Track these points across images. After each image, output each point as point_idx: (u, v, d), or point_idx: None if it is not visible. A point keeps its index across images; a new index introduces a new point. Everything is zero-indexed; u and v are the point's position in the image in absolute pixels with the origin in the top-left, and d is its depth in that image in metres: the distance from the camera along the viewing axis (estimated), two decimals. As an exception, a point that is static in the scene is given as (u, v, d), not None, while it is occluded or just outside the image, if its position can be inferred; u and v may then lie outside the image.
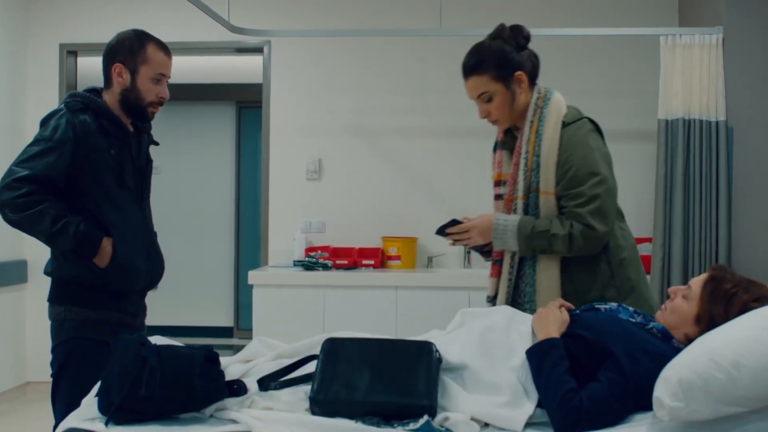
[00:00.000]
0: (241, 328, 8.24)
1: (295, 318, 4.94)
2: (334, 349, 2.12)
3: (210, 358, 2.07)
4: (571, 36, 5.17)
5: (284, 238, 5.65)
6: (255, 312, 5.00)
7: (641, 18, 5.41)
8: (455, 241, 2.79)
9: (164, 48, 2.86)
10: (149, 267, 2.91)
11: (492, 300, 2.82)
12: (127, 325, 2.82)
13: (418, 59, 5.59)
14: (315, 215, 5.67)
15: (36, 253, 5.79)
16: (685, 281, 4.49)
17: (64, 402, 2.65)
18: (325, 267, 5.20)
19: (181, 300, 7.70)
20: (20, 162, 2.63)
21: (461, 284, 4.94)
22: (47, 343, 5.73)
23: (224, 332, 8.19)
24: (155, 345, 2.10)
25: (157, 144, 3.02)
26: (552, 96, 2.70)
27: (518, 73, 2.67)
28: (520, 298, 2.71)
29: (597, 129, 2.71)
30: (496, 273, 2.78)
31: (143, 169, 2.94)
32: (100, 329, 2.71)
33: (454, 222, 2.76)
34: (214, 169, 8.12)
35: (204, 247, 8.10)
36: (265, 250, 5.73)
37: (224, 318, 8.22)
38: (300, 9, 5.68)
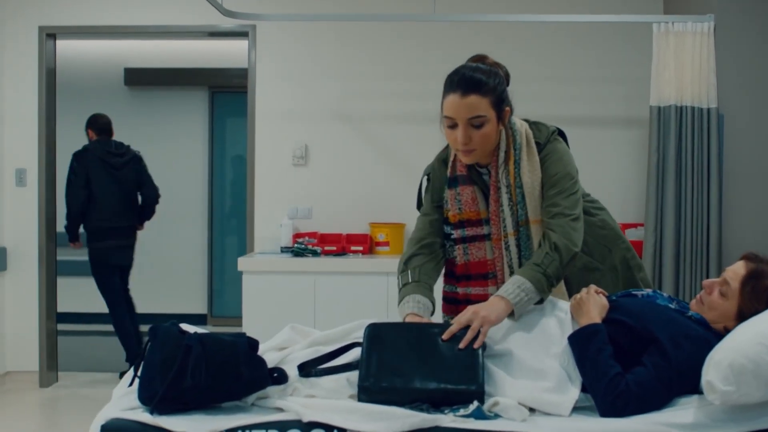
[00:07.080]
0: (215, 315, 8.18)
1: (285, 304, 4.91)
2: (378, 335, 2.11)
3: (252, 345, 2.05)
4: (562, 22, 5.21)
5: (270, 225, 5.59)
6: (244, 299, 4.95)
7: (625, 5, 5.43)
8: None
9: None
10: None
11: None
12: None
13: (408, 44, 5.55)
14: (301, 201, 5.62)
15: (17, 240, 5.68)
16: (677, 265, 4.55)
17: None
18: (315, 253, 5.16)
19: (153, 287, 7.61)
20: None
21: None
22: (28, 332, 5.69)
23: (197, 320, 8.09)
24: (197, 333, 2.07)
25: None
26: (514, 122, 2.53)
27: (507, 108, 2.44)
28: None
29: (562, 134, 2.59)
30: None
31: None
32: None
33: None
34: (186, 155, 8.02)
35: (177, 234, 8.02)
36: (251, 236, 5.67)
37: (197, 305, 8.17)
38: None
